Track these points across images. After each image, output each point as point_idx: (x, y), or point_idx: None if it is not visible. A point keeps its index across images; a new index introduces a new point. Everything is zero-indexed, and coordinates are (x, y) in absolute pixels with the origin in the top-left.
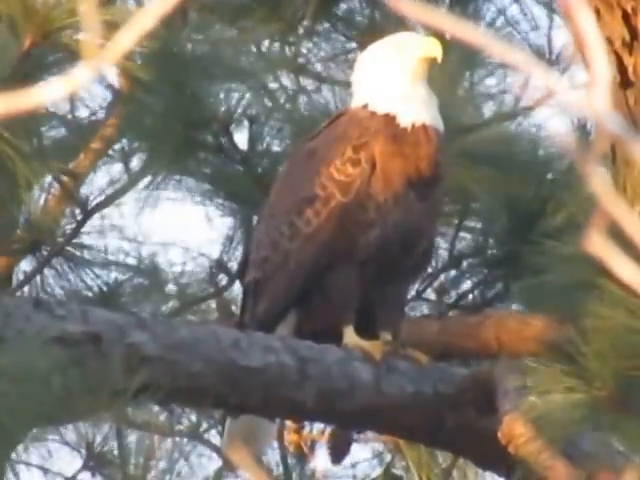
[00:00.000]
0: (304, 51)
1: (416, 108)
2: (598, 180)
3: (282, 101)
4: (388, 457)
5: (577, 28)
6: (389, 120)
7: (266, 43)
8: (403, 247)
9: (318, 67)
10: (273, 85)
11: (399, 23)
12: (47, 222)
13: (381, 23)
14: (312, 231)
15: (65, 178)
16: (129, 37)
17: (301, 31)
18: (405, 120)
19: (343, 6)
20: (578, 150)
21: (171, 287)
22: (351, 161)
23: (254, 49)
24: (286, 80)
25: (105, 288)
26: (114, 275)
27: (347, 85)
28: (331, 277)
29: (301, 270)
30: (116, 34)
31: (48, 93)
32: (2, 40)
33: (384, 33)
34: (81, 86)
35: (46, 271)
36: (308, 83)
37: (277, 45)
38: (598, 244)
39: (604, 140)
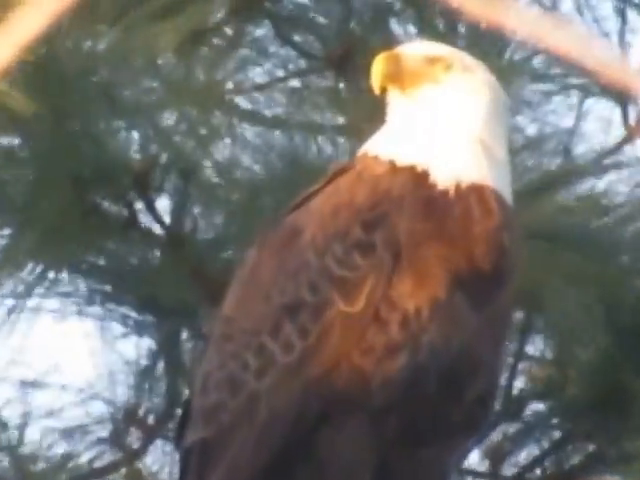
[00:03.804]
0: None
1: (461, 160)
2: None
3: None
4: None
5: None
6: (418, 177)
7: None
8: (445, 386)
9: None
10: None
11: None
12: None
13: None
14: (296, 360)
15: None
16: (4, 50)
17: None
18: (443, 177)
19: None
20: None
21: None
22: (360, 246)
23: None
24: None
25: None
26: None
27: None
28: (326, 436)
29: (277, 425)
30: None
31: None
32: None
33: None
34: None
35: None
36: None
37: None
38: None
39: None
